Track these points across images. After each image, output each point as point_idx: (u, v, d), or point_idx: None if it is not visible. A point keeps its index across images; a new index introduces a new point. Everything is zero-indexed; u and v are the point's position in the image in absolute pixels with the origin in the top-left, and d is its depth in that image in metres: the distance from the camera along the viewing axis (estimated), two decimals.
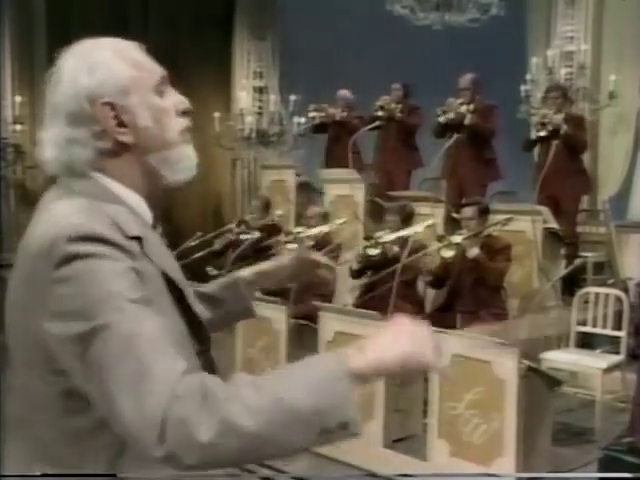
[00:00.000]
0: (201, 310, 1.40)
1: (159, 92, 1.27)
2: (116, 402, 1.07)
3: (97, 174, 1.25)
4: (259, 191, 8.24)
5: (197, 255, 6.09)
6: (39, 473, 1.29)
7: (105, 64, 1.23)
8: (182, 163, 1.29)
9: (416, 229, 5.29)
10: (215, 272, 5.81)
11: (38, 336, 1.16)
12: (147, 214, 1.30)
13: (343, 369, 1.08)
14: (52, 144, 1.24)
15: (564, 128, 6.18)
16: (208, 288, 1.62)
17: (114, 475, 1.20)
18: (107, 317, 1.10)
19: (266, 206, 6.73)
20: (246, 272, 1.64)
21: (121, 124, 1.23)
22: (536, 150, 6.89)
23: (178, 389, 1.05)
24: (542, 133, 6.38)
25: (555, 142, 6.15)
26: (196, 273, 5.59)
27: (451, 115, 6.63)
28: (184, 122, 1.30)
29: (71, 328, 1.11)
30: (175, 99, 1.29)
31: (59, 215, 1.19)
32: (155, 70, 1.28)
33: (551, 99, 6.46)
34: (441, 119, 6.65)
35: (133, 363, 1.08)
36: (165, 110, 1.27)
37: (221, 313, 1.60)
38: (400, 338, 1.13)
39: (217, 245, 6.31)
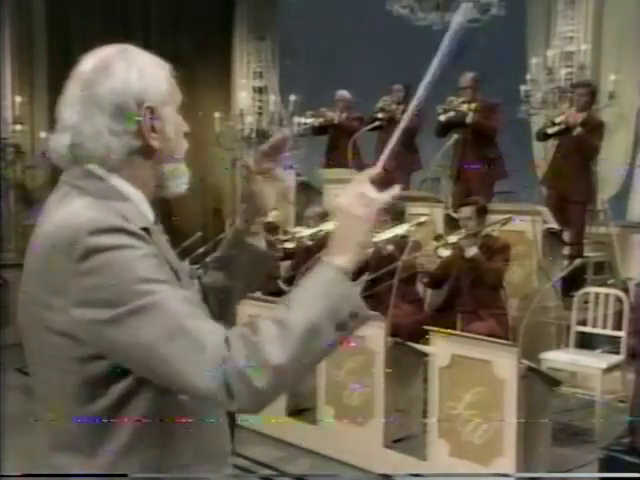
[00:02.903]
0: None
1: (177, 112, 1.40)
2: (178, 372, 1.18)
3: (110, 174, 1.32)
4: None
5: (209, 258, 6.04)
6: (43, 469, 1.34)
7: (151, 71, 1.34)
8: (182, 179, 1.41)
9: (406, 227, 5.30)
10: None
11: (60, 326, 1.22)
12: (149, 212, 1.37)
13: (339, 273, 1.25)
14: (90, 133, 1.29)
15: (578, 130, 6.14)
16: (218, 252, 1.65)
17: (125, 475, 1.26)
18: (142, 299, 1.19)
19: None
20: (238, 222, 1.64)
21: (153, 129, 1.32)
22: (541, 148, 6.92)
23: (227, 349, 1.18)
24: (550, 130, 6.36)
25: (565, 141, 6.16)
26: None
27: (451, 114, 6.62)
28: (186, 143, 1.42)
29: (107, 313, 1.19)
30: (182, 121, 1.41)
31: (72, 211, 1.25)
32: (179, 92, 1.40)
33: (577, 96, 6.38)
34: (441, 118, 6.64)
35: (182, 335, 1.18)
36: (182, 128, 1.40)
37: (240, 269, 1.61)
38: (356, 222, 1.26)
39: None
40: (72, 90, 1.32)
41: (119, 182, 1.32)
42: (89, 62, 1.32)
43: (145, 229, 1.28)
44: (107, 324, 1.19)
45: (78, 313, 1.20)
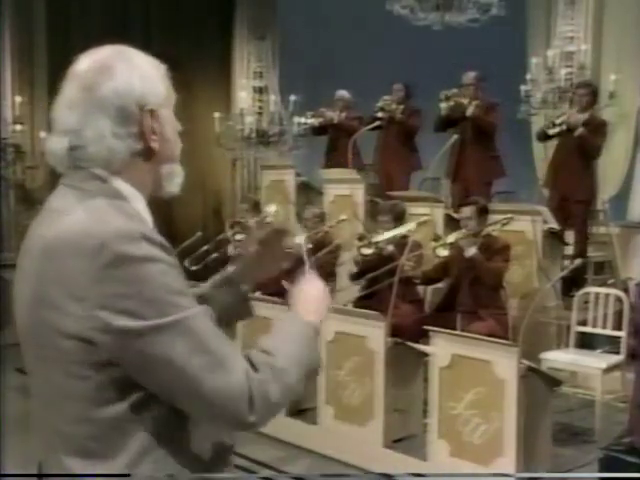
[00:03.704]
0: None
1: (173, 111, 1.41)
2: (203, 386, 1.22)
3: (111, 176, 1.31)
4: (256, 190, 8.24)
5: (209, 258, 6.03)
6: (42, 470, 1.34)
7: (152, 75, 1.34)
8: (178, 178, 1.41)
9: (408, 227, 5.31)
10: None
11: (76, 331, 1.21)
12: (149, 217, 1.37)
13: (315, 328, 1.44)
14: (92, 136, 1.29)
15: (580, 130, 6.15)
16: (202, 289, 1.66)
17: (128, 475, 1.24)
18: (172, 313, 1.21)
19: (255, 207, 6.70)
20: (230, 270, 1.70)
21: (153, 131, 1.33)
22: (541, 148, 6.90)
23: (248, 366, 1.27)
24: (550, 132, 6.36)
25: (566, 141, 6.17)
26: (200, 275, 5.62)
27: (452, 103, 6.64)
28: (180, 142, 1.42)
29: (136, 323, 1.19)
30: (176, 121, 1.42)
31: (92, 216, 1.24)
32: (173, 92, 1.41)
33: (579, 96, 6.39)
34: (442, 105, 6.66)
35: (208, 352, 1.23)
36: (177, 128, 1.41)
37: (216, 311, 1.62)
38: (319, 302, 1.51)
39: (231, 250, 6.27)
40: (70, 92, 1.31)
41: (122, 185, 1.32)
42: (86, 63, 1.31)
43: None
44: (135, 335, 1.19)
45: (100, 319, 1.19)
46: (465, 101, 6.66)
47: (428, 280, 5.33)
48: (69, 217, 1.25)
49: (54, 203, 1.31)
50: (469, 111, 6.61)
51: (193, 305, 1.26)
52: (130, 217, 1.26)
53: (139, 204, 1.34)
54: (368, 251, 5.23)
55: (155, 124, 1.33)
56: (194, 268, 5.70)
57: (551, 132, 6.35)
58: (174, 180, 1.40)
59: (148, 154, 1.33)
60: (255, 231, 1.77)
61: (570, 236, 6.17)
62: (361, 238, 5.37)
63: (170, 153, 1.38)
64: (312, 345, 1.41)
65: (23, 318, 1.30)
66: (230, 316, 1.69)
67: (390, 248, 5.23)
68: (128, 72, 1.30)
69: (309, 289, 1.53)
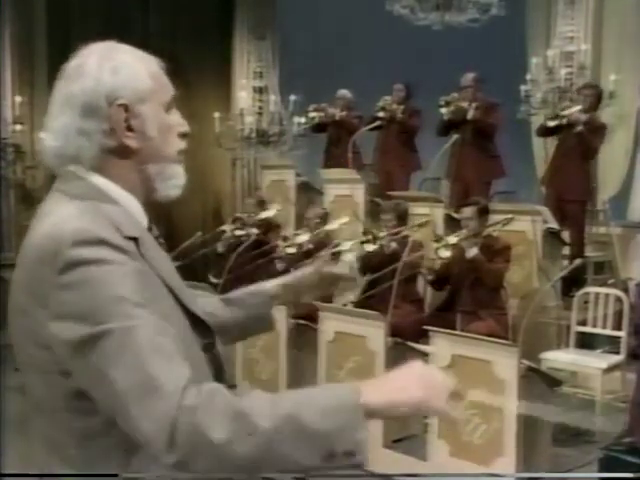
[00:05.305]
0: (200, 307, 1.39)
1: (167, 109, 1.33)
2: (125, 408, 1.12)
3: (95, 176, 1.28)
4: (256, 190, 8.26)
5: (198, 254, 6.05)
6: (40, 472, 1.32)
7: (129, 68, 1.27)
8: (174, 180, 1.34)
9: (410, 227, 5.31)
10: (216, 280, 5.73)
11: (43, 339, 1.18)
12: (142, 217, 1.33)
13: (356, 400, 1.11)
14: (60, 133, 1.26)
15: (579, 128, 6.15)
16: (234, 294, 1.64)
17: (116, 475, 1.21)
18: (114, 322, 1.13)
19: (261, 204, 6.72)
20: (270, 284, 1.65)
21: (129, 128, 1.27)
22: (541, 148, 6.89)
23: (185, 398, 1.10)
24: (551, 123, 6.35)
25: (565, 140, 6.17)
26: (197, 274, 5.61)
27: (452, 108, 6.64)
28: (181, 143, 1.35)
29: (78, 331, 1.14)
30: (178, 120, 1.35)
31: (60, 219, 1.20)
32: (168, 88, 1.33)
33: (583, 96, 6.38)
34: (443, 110, 6.66)
35: (140, 371, 1.12)
36: (170, 127, 1.33)
37: (239, 317, 1.61)
38: (413, 383, 1.15)
39: (220, 248, 6.28)
40: (55, 89, 1.29)
41: (106, 184, 1.27)
42: (73, 60, 1.29)
43: (134, 239, 1.23)
44: (79, 344, 1.14)
45: (55, 327, 1.15)
46: (465, 104, 6.65)
47: (440, 281, 5.21)
48: (44, 222, 1.23)
49: (42, 209, 1.28)
50: (470, 114, 6.60)
51: (142, 315, 1.15)
52: (99, 220, 1.20)
53: (129, 206, 1.29)
54: (372, 247, 5.23)
55: (134, 120, 1.26)
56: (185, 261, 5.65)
57: (551, 123, 6.33)
58: (169, 182, 1.32)
59: (124, 152, 1.27)
60: (321, 263, 1.61)
61: (566, 236, 6.17)
62: (365, 233, 5.37)
63: (156, 152, 1.29)
64: (338, 420, 1.07)
65: (9, 323, 1.27)
66: (249, 323, 1.65)
67: (393, 245, 5.23)
68: (98, 66, 1.25)
69: (421, 371, 1.17)
